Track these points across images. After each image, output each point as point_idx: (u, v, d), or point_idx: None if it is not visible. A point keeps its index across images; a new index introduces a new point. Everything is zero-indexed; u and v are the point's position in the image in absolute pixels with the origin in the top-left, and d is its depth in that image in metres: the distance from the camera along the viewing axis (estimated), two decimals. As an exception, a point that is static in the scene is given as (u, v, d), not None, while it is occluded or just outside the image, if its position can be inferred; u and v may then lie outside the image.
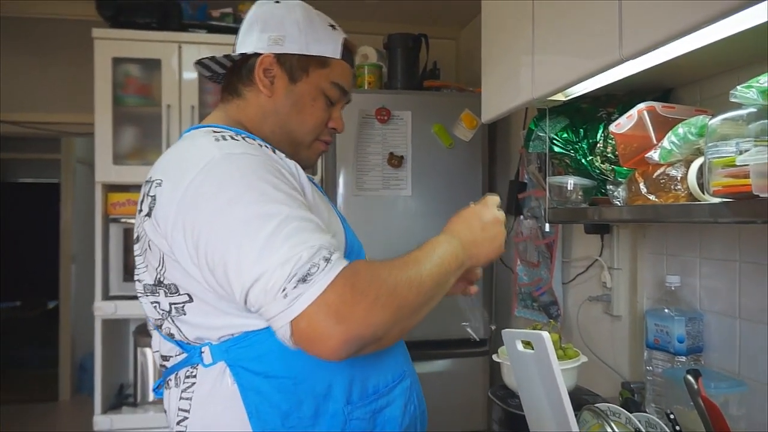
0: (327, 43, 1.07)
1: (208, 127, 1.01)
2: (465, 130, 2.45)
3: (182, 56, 2.49)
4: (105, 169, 2.45)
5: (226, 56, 1.10)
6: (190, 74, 2.51)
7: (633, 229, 1.74)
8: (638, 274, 1.72)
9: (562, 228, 2.10)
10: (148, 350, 2.52)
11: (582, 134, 1.55)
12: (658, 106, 1.24)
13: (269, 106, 1.06)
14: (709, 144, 1.01)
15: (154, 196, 0.91)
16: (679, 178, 1.16)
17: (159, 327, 0.99)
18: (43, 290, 6.17)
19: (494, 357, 1.56)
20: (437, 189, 2.46)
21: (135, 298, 2.70)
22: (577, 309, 2.04)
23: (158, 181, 0.92)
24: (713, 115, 1.06)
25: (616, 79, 1.25)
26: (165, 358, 0.99)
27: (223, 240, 0.81)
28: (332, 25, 1.10)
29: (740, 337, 1.36)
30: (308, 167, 1.09)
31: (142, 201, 0.96)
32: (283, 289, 0.75)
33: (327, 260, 0.78)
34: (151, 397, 2.58)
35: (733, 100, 0.96)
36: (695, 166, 1.12)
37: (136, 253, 1.00)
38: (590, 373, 1.76)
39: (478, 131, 2.46)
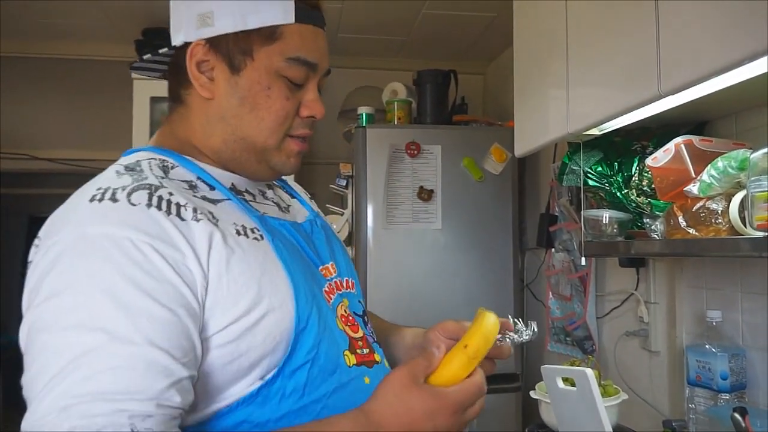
0: (271, 6, 0.78)
1: (141, 151, 0.81)
2: (495, 163, 2.46)
3: (216, 94, 2.56)
4: (141, 205, 2.51)
5: (155, 53, 0.82)
6: (224, 111, 2.57)
7: (670, 262, 1.71)
8: (676, 309, 1.69)
9: (595, 261, 2.09)
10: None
11: (616, 168, 1.55)
12: (695, 139, 1.24)
13: (213, 110, 0.80)
14: (752, 178, 1.00)
15: (31, 262, 0.71)
16: (719, 211, 1.15)
17: None
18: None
19: (532, 393, 1.54)
20: (467, 222, 2.47)
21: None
22: (612, 344, 2.00)
23: (38, 241, 0.72)
24: (752, 149, 1.06)
25: (653, 114, 1.26)
26: None
27: (28, 356, 0.64)
28: None
29: (786, 373, 1.32)
30: (290, 173, 0.88)
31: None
32: None
33: None
34: None
35: (775, 134, 0.95)
36: (737, 199, 1.11)
37: None
38: (629, 410, 1.72)
39: (507, 164, 2.47)
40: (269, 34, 0.78)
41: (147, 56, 0.83)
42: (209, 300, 0.68)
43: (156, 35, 2.58)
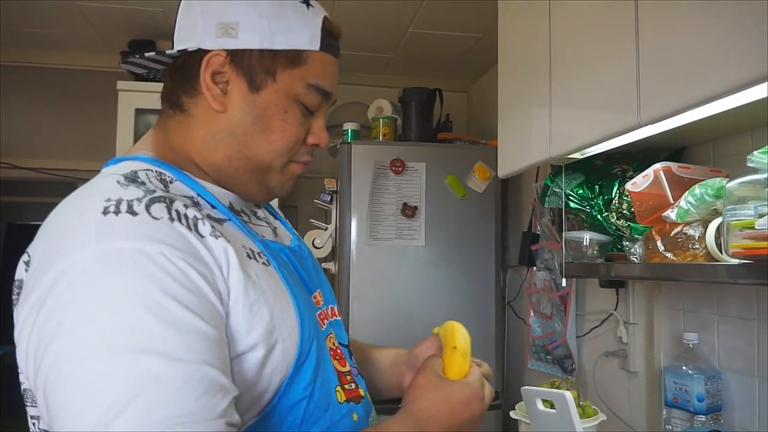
0: (300, 30, 0.76)
1: (133, 160, 0.76)
2: (478, 181, 2.49)
3: (202, 107, 2.55)
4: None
5: (161, 52, 0.78)
6: (209, 124, 2.56)
7: (649, 284, 1.74)
8: (655, 330, 1.71)
9: (576, 281, 2.11)
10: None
11: (597, 191, 1.58)
12: (674, 166, 1.27)
13: (222, 124, 0.76)
14: (728, 206, 1.03)
15: (21, 281, 0.66)
16: (696, 237, 1.18)
17: None
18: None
19: (512, 414, 1.54)
20: (450, 239, 2.48)
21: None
22: (592, 364, 2.02)
23: (28, 258, 0.67)
24: (729, 176, 1.08)
25: (633, 140, 1.28)
26: None
27: (63, 391, 0.57)
28: (306, 1, 0.78)
29: (759, 396, 1.34)
30: (282, 196, 0.85)
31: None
32: None
33: None
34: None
35: (750, 165, 0.98)
36: (713, 226, 1.14)
37: None
38: (607, 430, 1.74)
39: (491, 183, 2.50)
40: (295, 58, 0.76)
41: (150, 54, 0.78)
42: (228, 323, 0.65)
43: (142, 47, 2.58)
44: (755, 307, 1.36)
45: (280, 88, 0.76)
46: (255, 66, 0.75)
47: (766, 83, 0.85)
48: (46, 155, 3.06)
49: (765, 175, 0.98)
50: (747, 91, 0.90)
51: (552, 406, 1.12)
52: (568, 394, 1.04)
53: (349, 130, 2.58)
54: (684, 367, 1.43)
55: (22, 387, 0.68)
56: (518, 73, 1.76)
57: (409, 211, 2.44)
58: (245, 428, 0.67)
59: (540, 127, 1.56)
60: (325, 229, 2.57)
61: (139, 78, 2.55)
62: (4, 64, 2.95)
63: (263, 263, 0.73)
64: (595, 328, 2.01)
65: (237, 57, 0.75)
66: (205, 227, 0.66)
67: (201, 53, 0.75)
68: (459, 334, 0.82)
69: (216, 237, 0.66)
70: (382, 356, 1.01)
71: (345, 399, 0.77)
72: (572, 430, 1.05)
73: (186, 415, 0.55)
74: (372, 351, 1.03)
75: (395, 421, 0.72)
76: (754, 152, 0.98)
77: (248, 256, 0.71)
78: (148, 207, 0.64)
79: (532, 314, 2.36)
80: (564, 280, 2.03)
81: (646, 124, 1.09)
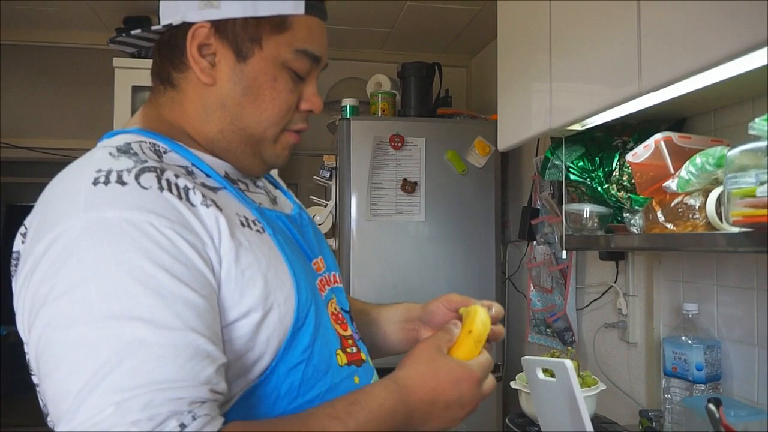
0: None
1: (127, 133, 0.75)
2: (478, 156, 2.48)
3: (199, 84, 2.54)
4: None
5: (146, 29, 0.77)
6: (207, 101, 2.55)
7: (648, 255, 1.75)
8: (654, 301, 1.72)
9: (576, 254, 2.11)
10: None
11: (598, 162, 1.58)
12: (674, 136, 1.26)
13: (212, 97, 0.76)
14: (729, 175, 1.02)
15: (18, 252, 0.68)
16: (697, 207, 1.18)
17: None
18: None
19: (512, 384, 1.56)
20: (450, 214, 2.48)
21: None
22: (592, 335, 2.04)
23: (25, 230, 0.68)
24: (730, 146, 1.08)
25: (634, 110, 1.27)
26: None
27: (51, 357, 0.59)
28: None
29: (758, 364, 1.36)
30: (278, 167, 0.85)
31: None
32: None
33: (183, 426, 0.55)
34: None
35: (752, 132, 0.98)
36: (714, 195, 1.14)
37: None
38: (607, 400, 1.76)
39: (490, 157, 2.49)
40: (279, 24, 0.75)
41: (136, 32, 0.77)
42: (220, 292, 0.65)
43: (137, 23, 2.55)
44: (755, 276, 1.36)
45: (267, 55, 0.76)
46: (240, 35, 0.74)
47: (766, 48, 0.84)
48: (45, 134, 3.05)
49: (766, 143, 0.98)
50: (748, 57, 0.89)
51: (552, 375, 1.12)
52: (569, 362, 1.05)
53: (348, 106, 2.57)
54: (683, 337, 1.44)
55: (27, 357, 0.69)
56: (518, 45, 1.74)
57: (408, 186, 2.43)
58: (243, 392, 0.68)
59: (540, 100, 1.55)
60: (325, 206, 2.57)
61: (134, 55, 2.53)
62: (1, 43, 2.92)
63: (257, 231, 0.73)
64: (594, 300, 2.02)
65: (221, 27, 0.74)
66: (196, 196, 0.67)
67: (186, 27, 0.74)
68: (478, 320, 0.80)
69: (207, 206, 0.67)
70: (389, 313, 1.02)
71: (346, 362, 0.78)
72: (572, 399, 1.06)
73: (170, 381, 0.56)
74: (376, 309, 1.04)
75: (379, 383, 0.71)
76: (756, 119, 0.97)
77: (242, 223, 0.71)
78: (137, 177, 0.64)
79: (532, 288, 2.37)
80: (564, 252, 2.03)
81: (647, 92, 1.09)
